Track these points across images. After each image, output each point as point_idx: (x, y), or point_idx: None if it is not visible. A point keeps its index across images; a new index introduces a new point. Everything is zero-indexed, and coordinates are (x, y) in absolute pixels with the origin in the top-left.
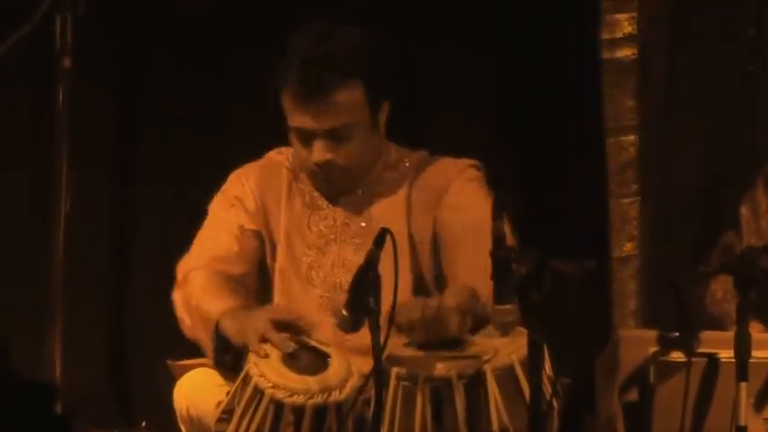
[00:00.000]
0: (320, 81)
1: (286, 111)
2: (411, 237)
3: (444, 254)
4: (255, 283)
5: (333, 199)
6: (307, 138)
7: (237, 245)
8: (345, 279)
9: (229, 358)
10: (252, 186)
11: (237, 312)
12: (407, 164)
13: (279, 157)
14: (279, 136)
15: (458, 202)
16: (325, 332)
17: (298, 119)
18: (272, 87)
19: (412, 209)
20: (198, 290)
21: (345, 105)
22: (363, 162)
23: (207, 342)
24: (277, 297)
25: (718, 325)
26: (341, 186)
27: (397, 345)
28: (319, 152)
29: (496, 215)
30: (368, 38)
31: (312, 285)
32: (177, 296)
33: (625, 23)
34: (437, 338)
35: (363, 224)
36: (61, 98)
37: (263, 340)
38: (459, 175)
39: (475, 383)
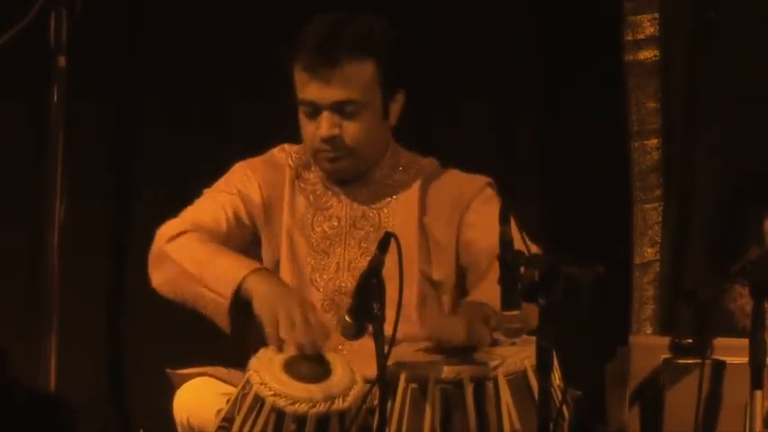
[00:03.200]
0: (331, 53)
1: (296, 86)
2: (423, 242)
3: (469, 275)
4: None
5: (338, 199)
6: (314, 112)
7: (226, 226)
8: (350, 283)
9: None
10: (259, 180)
11: (270, 273)
12: (417, 170)
13: (281, 154)
14: (277, 137)
15: (481, 222)
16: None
17: (306, 90)
18: (284, 67)
19: (427, 215)
20: (207, 244)
21: (354, 79)
22: (369, 149)
23: (221, 293)
24: None
25: (731, 321)
26: (345, 170)
27: (402, 351)
28: (326, 126)
29: (503, 219)
30: (385, 24)
31: (315, 289)
32: (173, 246)
33: (647, 24)
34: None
35: (372, 228)
36: (56, 98)
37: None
38: (479, 193)
39: (486, 388)
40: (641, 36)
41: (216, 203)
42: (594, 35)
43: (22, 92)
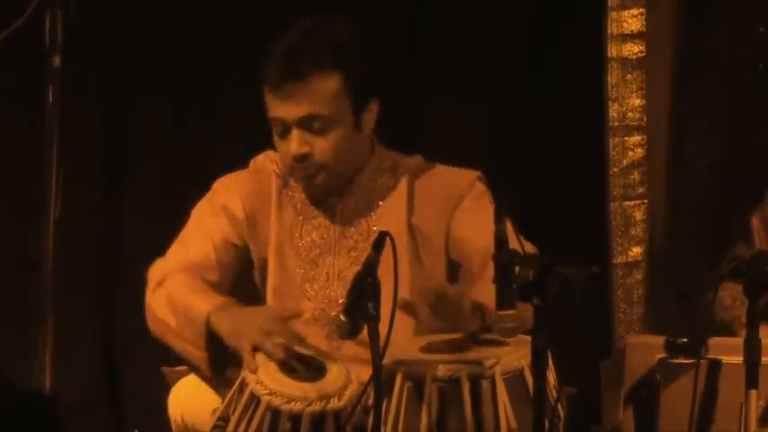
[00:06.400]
0: (294, 67)
1: (266, 106)
2: (412, 244)
3: (463, 272)
4: (229, 292)
5: (326, 207)
6: (284, 131)
7: (215, 255)
8: (340, 292)
9: (223, 359)
10: (242, 194)
11: (230, 308)
12: (402, 170)
13: (266, 161)
14: (269, 139)
15: (474, 219)
16: (317, 344)
17: (274, 108)
18: (258, 85)
19: (415, 215)
20: (183, 289)
21: (320, 93)
22: (343, 163)
23: (197, 343)
24: None
25: (728, 330)
26: (325, 187)
27: (399, 349)
28: (296, 144)
29: (498, 219)
30: (357, 31)
31: (306, 298)
32: (155, 298)
33: (633, 20)
34: (449, 322)
35: (360, 237)
36: (51, 97)
37: (256, 349)
38: (470, 189)
39: (483, 386)
40: (626, 31)
41: (202, 233)
42: (572, 30)
43: (17, 92)
